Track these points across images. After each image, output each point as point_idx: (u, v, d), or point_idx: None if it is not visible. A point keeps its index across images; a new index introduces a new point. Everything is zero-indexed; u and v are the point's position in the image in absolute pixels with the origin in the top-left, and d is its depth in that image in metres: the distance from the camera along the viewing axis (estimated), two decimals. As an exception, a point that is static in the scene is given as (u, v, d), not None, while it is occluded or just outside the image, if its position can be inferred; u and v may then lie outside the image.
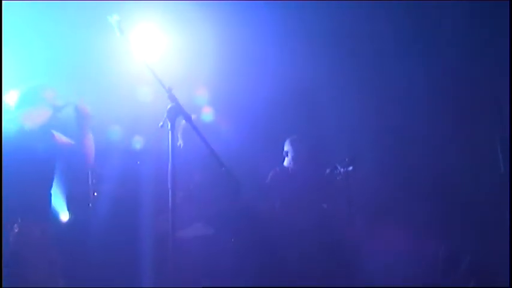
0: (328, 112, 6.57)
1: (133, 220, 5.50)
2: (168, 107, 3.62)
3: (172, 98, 3.64)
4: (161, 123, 3.62)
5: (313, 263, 5.52)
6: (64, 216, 5.55)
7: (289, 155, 6.06)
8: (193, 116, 3.72)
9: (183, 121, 3.69)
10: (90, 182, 5.92)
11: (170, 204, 3.53)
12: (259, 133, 6.49)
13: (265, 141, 6.43)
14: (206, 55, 6.25)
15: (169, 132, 3.61)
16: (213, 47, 6.23)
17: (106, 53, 5.63)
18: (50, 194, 4.49)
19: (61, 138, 4.56)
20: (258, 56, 6.37)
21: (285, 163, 6.08)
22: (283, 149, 6.10)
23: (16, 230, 4.17)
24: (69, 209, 5.68)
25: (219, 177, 4.98)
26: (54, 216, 5.33)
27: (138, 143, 6.00)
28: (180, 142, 5.47)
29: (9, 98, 5.77)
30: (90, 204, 5.88)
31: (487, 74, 6.09)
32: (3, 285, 3.97)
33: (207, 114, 6.07)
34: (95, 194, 5.90)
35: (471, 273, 5.16)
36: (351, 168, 5.43)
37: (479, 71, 6.11)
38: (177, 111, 3.62)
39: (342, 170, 5.48)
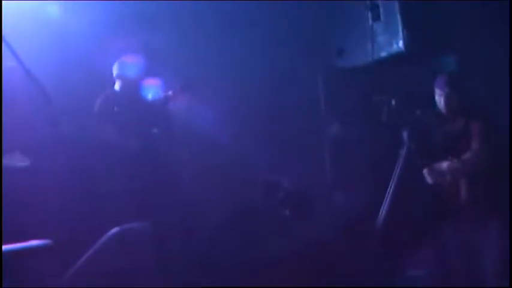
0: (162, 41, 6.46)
1: None
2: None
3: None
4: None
5: (141, 185, 5.51)
6: None
7: (119, 78, 5.92)
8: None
9: None
10: None
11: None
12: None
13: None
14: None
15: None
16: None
17: None
18: None
19: None
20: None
21: (115, 87, 5.94)
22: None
23: None
24: None
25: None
26: None
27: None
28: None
29: None
30: None
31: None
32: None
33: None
34: None
35: (288, 199, 5.39)
36: (170, 92, 5.39)
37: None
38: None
39: (164, 94, 5.42)
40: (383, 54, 5.97)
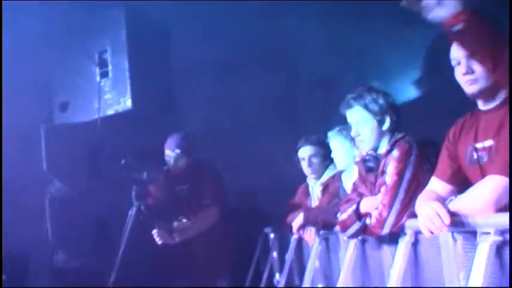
0: None
1: None
2: None
3: None
4: None
5: None
6: None
7: None
8: None
9: None
10: None
11: None
12: None
13: None
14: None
15: None
16: None
17: None
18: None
19: None
20: None
21: None
22: None
23: None
24: None
25: None
26: None
27: None
28: None
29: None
30: None
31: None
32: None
33: None
34: None
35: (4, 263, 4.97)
36: None
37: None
38: None
39: None
40: (110, 112, 5.86)
